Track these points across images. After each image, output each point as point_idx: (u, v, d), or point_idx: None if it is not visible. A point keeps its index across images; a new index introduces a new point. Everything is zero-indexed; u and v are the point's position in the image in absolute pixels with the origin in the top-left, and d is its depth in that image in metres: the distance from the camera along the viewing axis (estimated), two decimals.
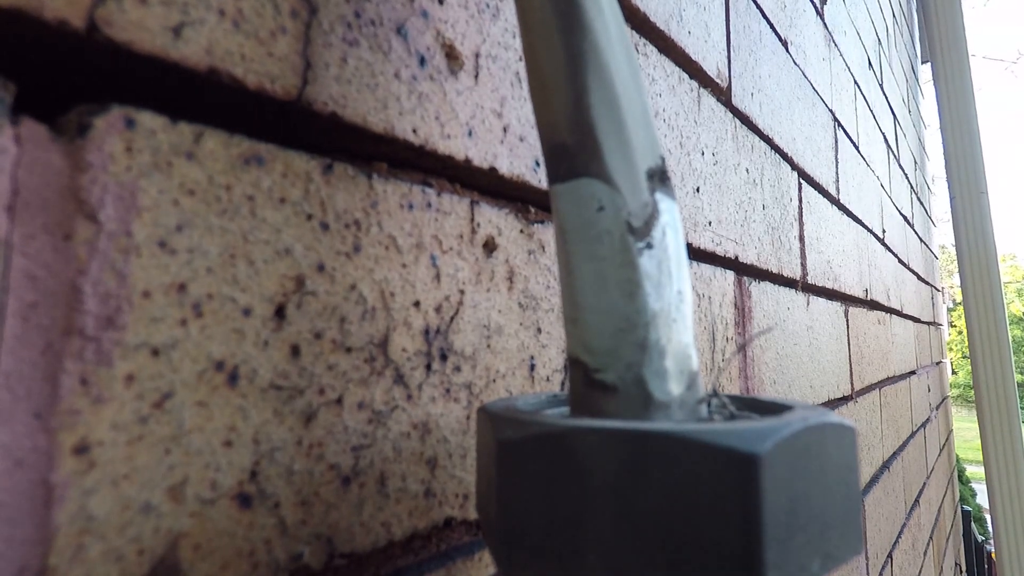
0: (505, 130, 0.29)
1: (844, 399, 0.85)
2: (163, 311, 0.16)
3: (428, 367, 0.24)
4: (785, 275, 0.66)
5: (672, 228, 0.21)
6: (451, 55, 0.27)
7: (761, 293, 0.59)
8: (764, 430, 0.15)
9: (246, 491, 0.17)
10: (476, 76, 0.28)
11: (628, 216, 0.19)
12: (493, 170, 0.28)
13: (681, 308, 0.20)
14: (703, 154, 0.50)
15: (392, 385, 0.22)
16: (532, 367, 0.29)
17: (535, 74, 0.21)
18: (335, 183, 0.21)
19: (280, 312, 0.19)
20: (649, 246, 0.19)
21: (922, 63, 2.48)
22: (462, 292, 0.26)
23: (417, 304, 0.24)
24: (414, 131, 0.25)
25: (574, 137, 0.19)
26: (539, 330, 0.30)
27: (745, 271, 0.56)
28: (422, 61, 0.25)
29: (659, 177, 0.21)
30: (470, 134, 0.27)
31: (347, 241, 0.22)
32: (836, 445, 0.17)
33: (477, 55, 0.28)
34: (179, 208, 0.17)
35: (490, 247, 0.28)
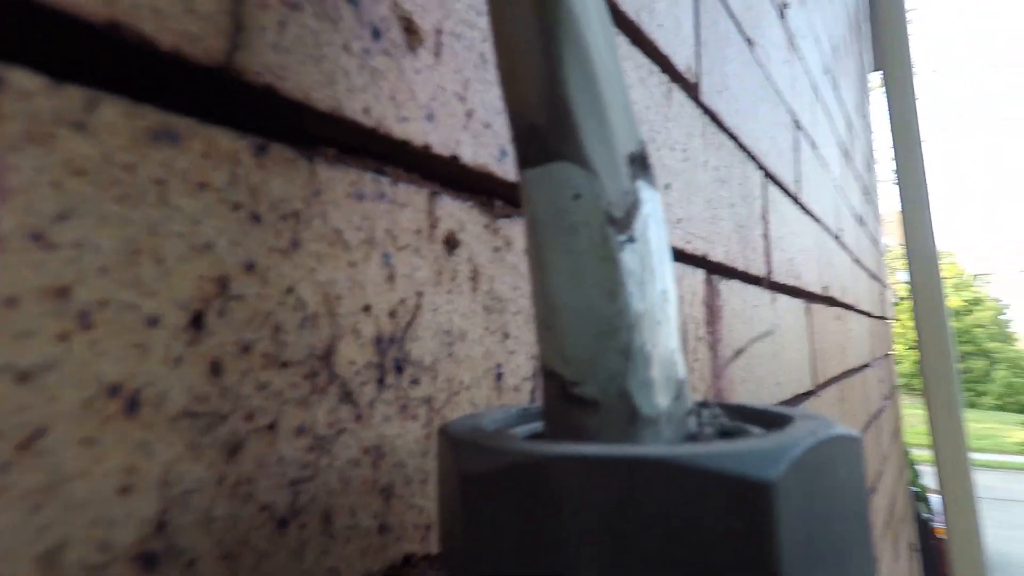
0: (469, 115, 0.27)
1: (808, 394, 0.85)
2: (35, 322, 0.12)
3: (381, 381, 0.21)
4: (751, 273, 0.65)
5: (655, 220, 0.18)
6: (409, 29, 0.24)
7: (730, 291, 0.57)
8: (773, 451, 0.13)
9: (150, 549, 0.14)
10: (437, 54, 0.25)
11: (607, 205, 0.16)
12: (455, 158, 0.25)
13: (666, 309, 0.18)
14: (673, 150, 0.48)
15: (338, 404, 0.19)
16: (499, 376, 0.27)
17: (503, 44, 0.18)
18: (270, 167, 0.18)
19: (197, 321, 0.15)
20: (631, 240, 0.17)
21: (872, 71, 2.56)
22: (420, 294, 0.23)
23: (367, 309, 0.21)
24: (365, 111, 0.22)
25: (547, 115, 0.17)
26: (506, 335, 0.27)
27: (714, 269, 0.55)
28: (376, 34, 0.22)
29: (640, 163, 0.18)
30: (430, 118, 0.24)
31: (283, 236, 0.18)
32: (845, 459, 0.15)
33: (439, 31, 0.25)
34: (62, 191, 0.13)
35: (452, 244, 0.25)
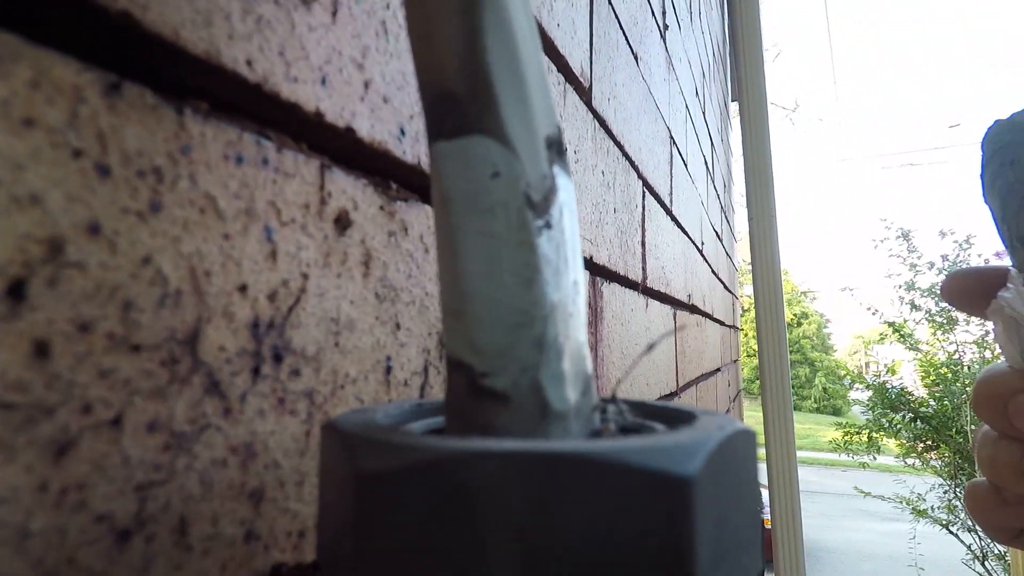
0: (367, 86, 0.24)
1: (671, 395, 0.91)
2: None
3: (256, 371, 0.18)
4: (630, 278, 0.68)
5: (569, 209, 0.17)
6: None
7: (611, 294, 0.59)
8: (690, 445, 0.13)
9: None
10: (334, 14, 0.23)
11: (527, 187, 0.16)
12: (350, 131, 0.23)
13: (577, 301, 0.17)
14: (567, 150, 0.49)
15: (203, 396, 0.16)
16: (389, 369, 0.25)
17: (418, 4, 0.16)
18: (124, 111, 0.15)
19: (17, 291, 0.12)
20: (548, 225, 0.16)
21: (732, 100, 2.81)
22: (305, 276, 0.21)
23: (244, 289, 0.18)
24: (249, 64, 0.19)
25: (465, 84, 0.15)
26: (398, 326, 0.25)
27: (598, 271, 0.56)
28: None
29: (557, 148, 0.18)
30: (323, 82, 0.22)
31: (141, 195, 0.15)
32: (744, 454, 0.16)
33: None
34: None
35: (343, 223, 0.23)
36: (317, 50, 0.22)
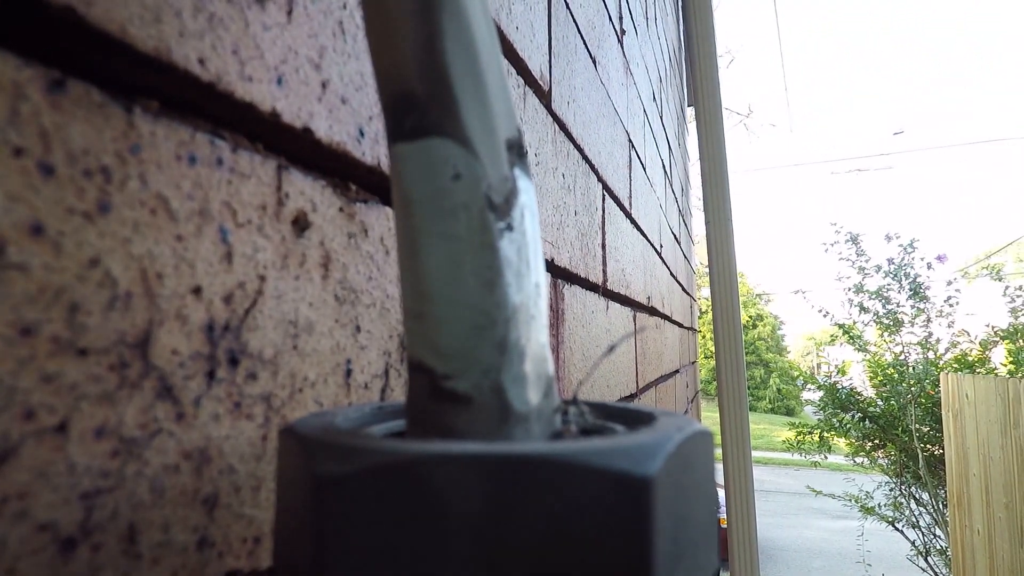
0: (324, 86, 0.24)
1: (631, 396, 0.92)
2: None
3: (211, 375, 0.18)
4: (591, 280, 0.69)
5: (530, 211, 0.18)
6: None
7: (572, 296, 0.60)
8: (649, 446, 0.13)
9: None
10: (289, 13, 0.23)
11: (488, 189, 0.16)
12: (308, 131, 0.23)
13: (539, 304, 0.17)
14: (527, 152, 0.49)
15: (154, 401, 0.16)
16: (348, 373, 0.24)
17: (376, 4, 0.16)
18: (69, 109, 0.15)
19: None
20: (509, 228, 0.16)
21: (688, 105, 2.88)
22: (262, 278, 0.20)
23: (198, 291, 0.18)
24: (201, 62, 0.19)
25: (425, 85, 0.16)
26: (358, 328, 0.25)
27: (559, 274, 0.57)
28: None
29: (517, 151, 0.18)
30: (279, 82, 0.22)
31: (88, 196, 0.15)
32: (702, 455, 0.16)
33: None
34: None
35: (301, 225, 0.22)
36: (272, 49, 0.22)
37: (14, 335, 0.13)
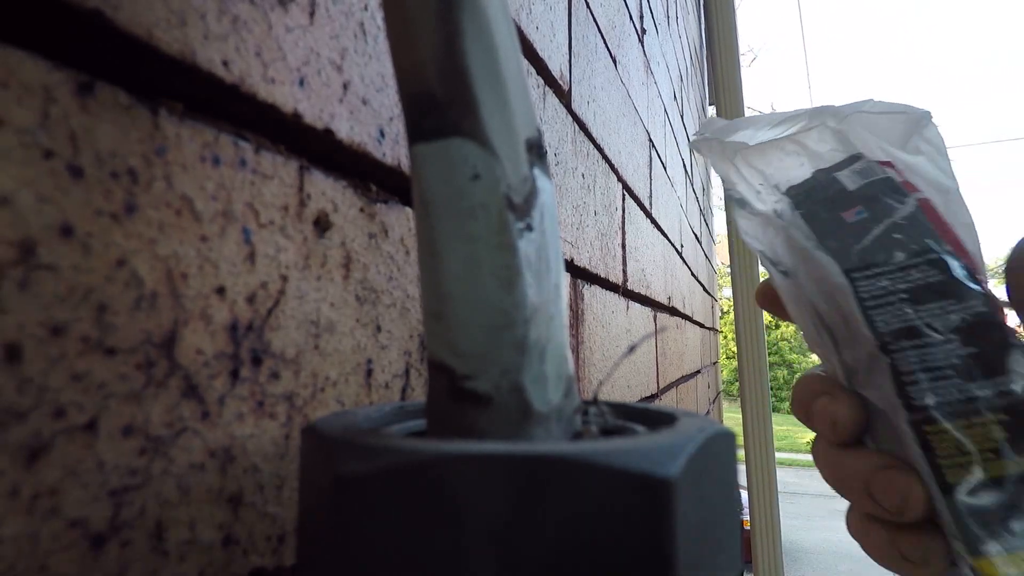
0: (345, 87, 0.24)
1: (652, 396, 0.92)
2: None
3: (235, 374, 0.18)
4: (611, 280, 0.68)
5: (550, 212, 0.18)
6: None
7: (592, 296, 0.60)
8: (670, 447, 0.13)
9: None
10: (312, 15, 0.23)
11: (507, 189, 0.16)
12: (329, 132, 0.23)
13: (559, 304, 0.17)
14: (547, 152, 0.49)
15: (180, 400, 0.16)
16: (369, 372, 0.25)
17: (396, 5, 0.16)
18: (97, 112, 0.15)
19: None
20: (529, 228, 0.16)
21: (709, 104, 2.85)
22: (285, 279, 0.21)
23: (221, 291, 0.18)
24: (225, 64, 0.19)
25: (444, 86, 0.16)
26: (379, 328, 0.25)
27: (579, 274, 0.57)
28: None
29: (537, 151, 0.18)
30: (301, 83, 0.22)
31: (115, 197, 0.15)
32: (725, 457, 0.16)
33: None
34: None
35: (323, 225, 0.22)
36: (295, 51, 0.22)
37: (45, 334, 0.13)
